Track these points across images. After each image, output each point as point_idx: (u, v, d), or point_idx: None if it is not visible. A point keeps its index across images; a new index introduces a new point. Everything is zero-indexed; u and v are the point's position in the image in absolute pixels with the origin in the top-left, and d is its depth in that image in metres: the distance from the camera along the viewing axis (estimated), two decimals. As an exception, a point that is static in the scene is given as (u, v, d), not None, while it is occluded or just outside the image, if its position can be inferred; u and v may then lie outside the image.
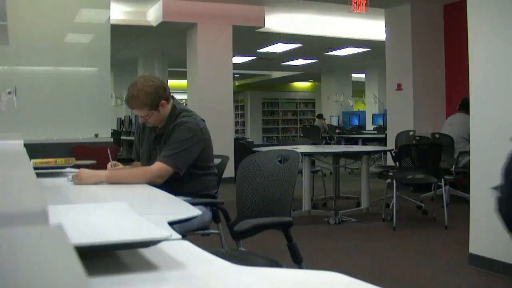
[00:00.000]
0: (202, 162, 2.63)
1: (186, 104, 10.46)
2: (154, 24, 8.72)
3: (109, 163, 2.64)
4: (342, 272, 0.91)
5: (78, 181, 2.32)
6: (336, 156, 6.24)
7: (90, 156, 5.00)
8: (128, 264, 0.96)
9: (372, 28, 9.91)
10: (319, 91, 18.65)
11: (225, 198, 2.69)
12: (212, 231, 2.62)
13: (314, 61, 14.09)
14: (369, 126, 13.83)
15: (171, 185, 2.43)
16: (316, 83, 20.19)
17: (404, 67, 7.63)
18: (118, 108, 12.83)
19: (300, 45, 11.08)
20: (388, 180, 5.29)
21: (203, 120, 2.69)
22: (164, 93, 2.59)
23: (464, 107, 5.66)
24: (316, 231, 4.94)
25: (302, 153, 2.91)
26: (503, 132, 3.21)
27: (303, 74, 17.31)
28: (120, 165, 2.67)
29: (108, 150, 2.71)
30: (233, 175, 2.83)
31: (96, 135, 5.92)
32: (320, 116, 15.16)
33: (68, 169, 2.79)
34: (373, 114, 13.99)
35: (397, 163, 5.18)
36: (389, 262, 3.86)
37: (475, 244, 3.53)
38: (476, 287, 3.32)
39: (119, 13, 8.62)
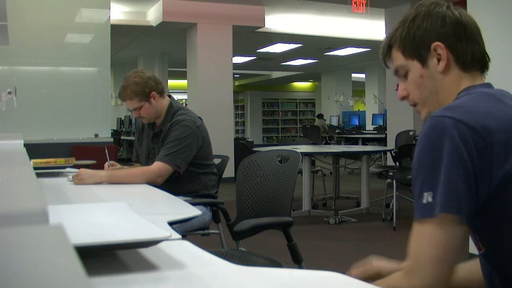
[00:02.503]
0: (201, 160, 2.63)
1: (186, 104, 10.47)
2: (154, 24, 8.71)
3: (107, 162, 2.64)
4: (342, 272, 0.91)
5: (78, 181, 2.32)
6: (336, 156, 6.24)
7: (90, 156, 5.00)
8: (128, 264, 0.96)
9: (372, 28, 9.91)
10: (319, 91, 18.65)
11: (225, 198, 2.69)
12: (212, 231, 2.62)
13: (314, 61, 14.09)
14: (369, 126, 13.82)
15: (171, 185, 2.44)
16: (316, 83, 20.19)
17: (404, 67, 7.62)
18: (118, 108, 12.84)
19: (300, 45, 11.08)
20: (388, 180, 5.29)
21: (200, 118, 2.70)
22: (155, 86, 2.61)
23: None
24: (316, 231, 4.94)
25: (302, 153, 2.91)
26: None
27: (303, 74, 17.31)
28: (118, 165, 2.67)
29: (106, 150, 2.71)
30: (233, 175, 2.84)
31: (96, 135, 5.92)
32: (320, 116, 15.16)
33: (68, 169, 2.79)
34: (373, 114, 13.99)
35: (397, 163, 5.18)
36: (389, 262, 3.85)
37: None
38: (476, 287, 3.32)
39: (119, 13, 8.62)
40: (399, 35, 1.15)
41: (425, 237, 0.96)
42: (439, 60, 1.11)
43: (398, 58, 1.16)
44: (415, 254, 0.98)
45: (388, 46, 1.19)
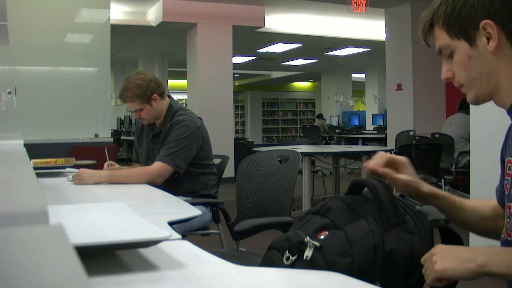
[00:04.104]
0: (201, 161, 2.63)
1: (186, 104, 10.46)
2: (154, 24, 8.72)
3: (106, 163, 2.64)
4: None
5: (78, 181, 2.32)
6: (336, 156, 6.24)
7: (90, 156, 5.00)
8: (128, 264, 0.96)
9: (372, 28, 9.92)
10: (319, 91, 18.65)
11: (225, 198, 2.69)
12: (212, 231, 2.62)
13: (314, 61, 14.09)
14: (369, 126, 13.83)
15: (171, 185, 2.44)
16: (316, 83, 20.19)
17: (404, 67, 7.63)
18: (118, 108, 12.83)
19: (300, 45, 11.09)
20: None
21: (200, 118, 2.70)
22: (156, 88, 2.61)
23: (464, 107, 5.66)
24: (316, 231, 4.93)
25: (302, 153, 2.91)
26: (503, 132, 3.20)
27: (303, 74, 17.31)
28: (117, 165, 2.67)
29: (106, 150, 2.70)
30: (233, 175, 2.84)
31: (96, 135, 5.92)
32: (320, 116, 15.16)
33: (68, 169, 2.79)
34: (373, 114, 14.00)
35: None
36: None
37: (475, 244, 3.52)
38: (476, 287, 3.32)
39: (119, 13, 8.62)
40: (442, 12, 1.05)
41: None
42: (488, 39, 1.01)
43: (442, 37, 1.07)
44: None
45: (429, 25, 1.09)
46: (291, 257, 0.99)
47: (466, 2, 1.02)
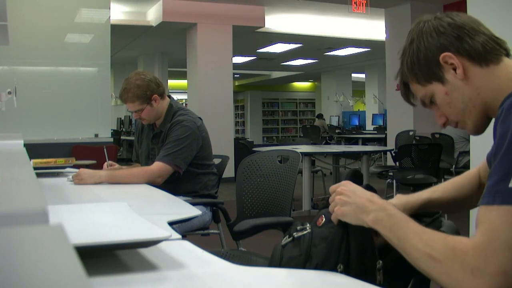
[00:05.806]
0: (201, 161, 2.63)
1: (186, 104, 10.46)
2: (154, 24, 8.71)
3: (105, 163, 2.64)
4: (342, 272, 0.91)
5: (78, 181, 2.32)
6: (336, 156, 6.24)
7: (90, 156, 5.00)
8: (128, 264, 0.96)
9: (372, 28, 9.91)
10: (319, 91, 18.65)
11: (225, 198, 2.69)
12: (212, 231, 2.62)
13: (314, 61, 14.08)
14: (369, 126, 13.83)
15: (171, 185, 2.44)
16: (316, 83, 20.18)
17: (404, 67, 7.61)
18: (118, 108, 12.82)
19: (300, 45, 11.08)
20: (388, 180, 5.29)
21: (200, 119, 2.70)
22: (156, 88, 2.60)
23: (464, 107, 5.64)
24: (316, 231, 4.92)
25: (302, 153, 2.91)
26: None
27: (303, 74, 17.31)
28: (116, 165, 2.67)
29: (105, 150, 2.70)
30: (233, 175, 2.84)
31: (96, 135, 5.92)
32: (320, 116, 15.16)
33: (68, 169, 2.79)
34: (373, 114, 13.99)
35: (397, 163, 5.18)
36: (389, 262, 3.85)
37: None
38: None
39: (119, 13, 8.62)
40: (406, 68, 1.13)
41: (509, 223, 0.81)
42: (455, 69, 1.04)
43: (417, 90, 1.13)
44: (493, 233, 0.83)
45: (403, 85, 1.17)
46: (287, 238, 1.09)
47: (419, 47, 1.08)
